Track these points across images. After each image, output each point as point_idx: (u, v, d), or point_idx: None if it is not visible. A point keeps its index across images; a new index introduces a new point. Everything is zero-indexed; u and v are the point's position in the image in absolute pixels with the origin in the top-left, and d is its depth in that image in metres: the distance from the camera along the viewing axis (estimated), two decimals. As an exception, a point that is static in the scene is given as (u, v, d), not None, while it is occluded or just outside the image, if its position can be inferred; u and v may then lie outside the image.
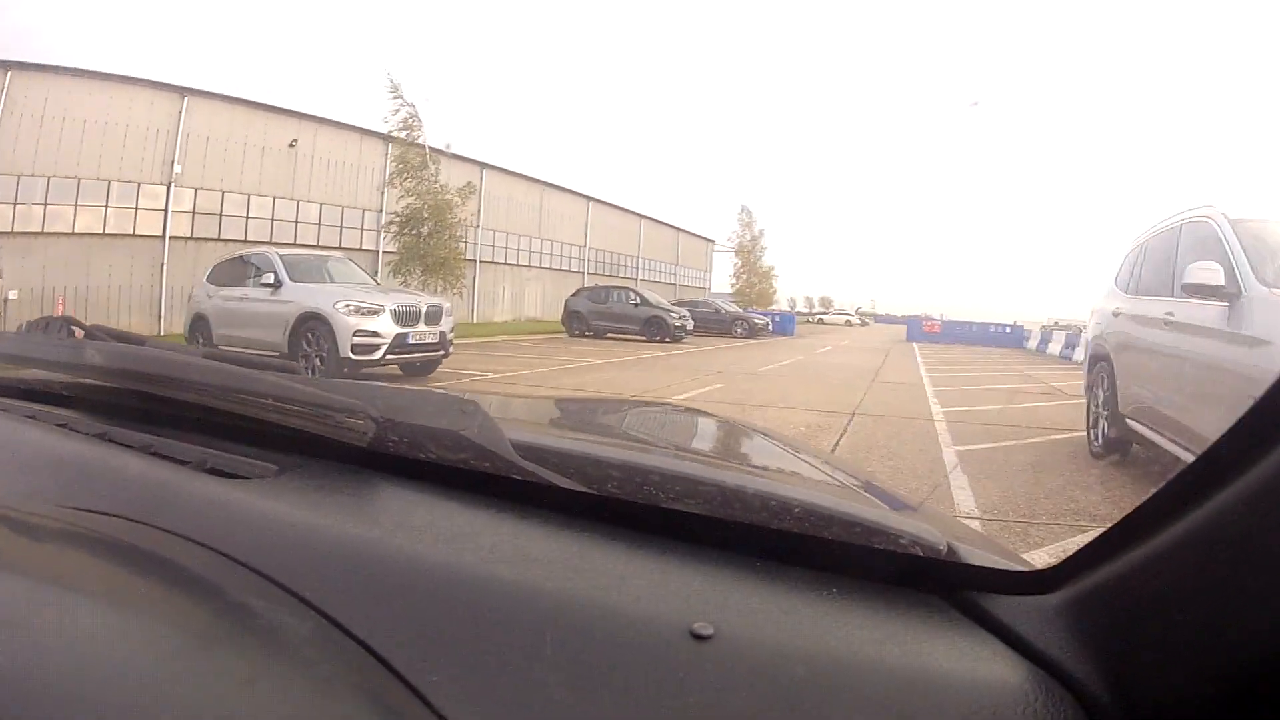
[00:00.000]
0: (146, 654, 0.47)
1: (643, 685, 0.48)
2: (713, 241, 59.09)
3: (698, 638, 0.51)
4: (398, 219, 22.16)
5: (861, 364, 18.00)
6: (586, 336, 23.80)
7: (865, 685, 0.49)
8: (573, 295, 25.88)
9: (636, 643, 0.51)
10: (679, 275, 53.66)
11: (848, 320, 70.41)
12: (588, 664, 0.49)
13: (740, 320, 30.60)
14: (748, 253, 53.70)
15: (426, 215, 21.79)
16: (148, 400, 0.89)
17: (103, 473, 0.76)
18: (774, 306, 50.67)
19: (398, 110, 22.53)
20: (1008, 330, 38.24)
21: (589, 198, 41.74)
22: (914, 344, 31.88)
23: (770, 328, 32.24)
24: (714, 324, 29.32)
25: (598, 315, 24.54)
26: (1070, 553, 0.56)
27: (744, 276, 53.31)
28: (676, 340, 23.26)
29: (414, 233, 21.83)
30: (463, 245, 22.82)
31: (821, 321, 66.85)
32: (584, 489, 0.65)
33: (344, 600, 0.53)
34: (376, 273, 22.34)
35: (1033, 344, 32.40)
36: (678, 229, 54.41)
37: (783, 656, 0.51)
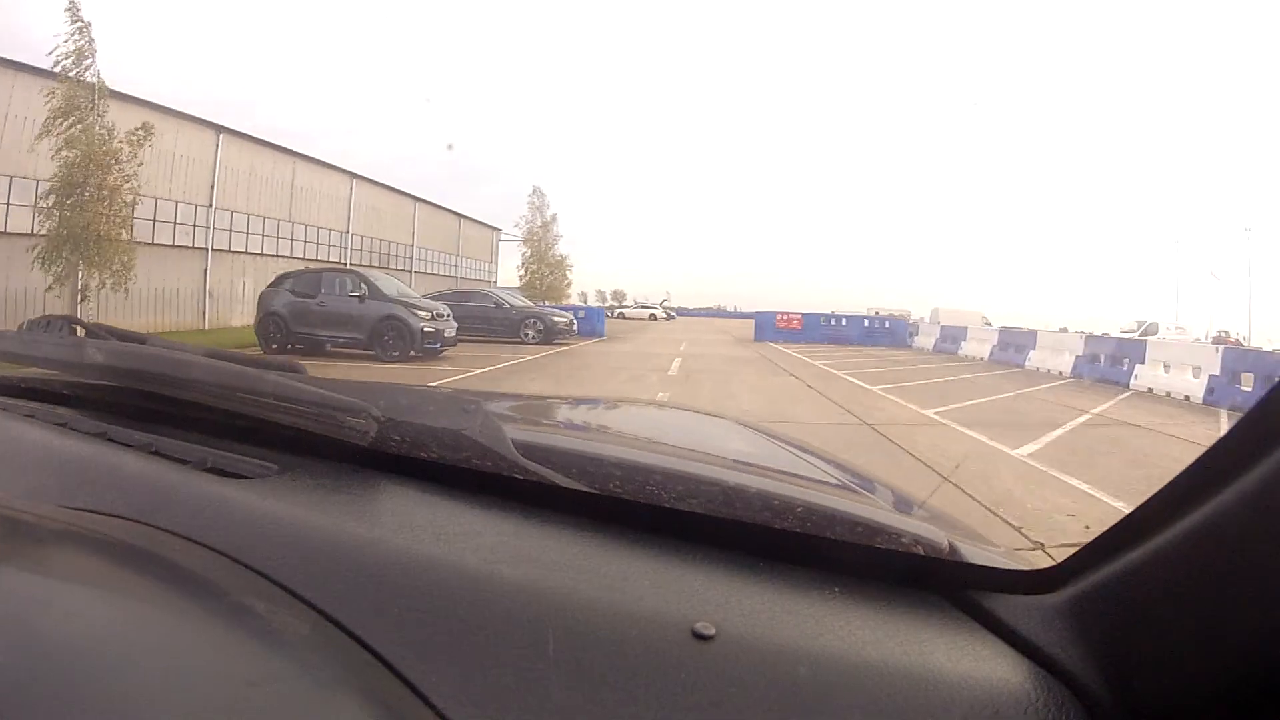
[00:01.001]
0: (147, 654, 0.48)
1: (645, 685, 0.50)
2: (499, 230, 54.36)
3: (700, 637, 0.53)
4: (55, 183, 17.14)
5: (799, 407, 10.78)
6: (292, 351, 15.09)
7: (867, 685, 0.52)
8: (270, 286, 16.98)
9: (638, 642, 0.53)
10: (461, 267, 49.03)
11: (652, 314, 64.96)
12: (589, 664, 0.51)
13: (533, 319, 22.59)
14: (538, 241, 48.84)
15: (89, 174, 16.88)
16: (149, 399, 0.89)
17: (103, 472, 0.76)
18: (567, 301, 46.17)
19: (70, 36, 17.50)
20: (885, 325, 32.67)
21: (353, 174, 36.02)
22: (779, 345, 26.41)
23: (575, 328, 24.60)
24: (495, 325, 21.93)
25: (305, 318, 15.53)
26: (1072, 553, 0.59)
27: (533, 267, 48.47)
28: (430, 354, 15.17)
29: (71, 200, 16.34)
30: (131, 215, 17.10)
31: (623, 316, 61.67)
32: (586, 488, 0.69)
33: (345, 600, 0.56)
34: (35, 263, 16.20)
35: (925, 342, 27.50)
36: (459, 215, 49.60)
37: (785, 656, 0.53)
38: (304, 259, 32.31)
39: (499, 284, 50.39)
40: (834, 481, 1.10)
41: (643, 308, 70.01)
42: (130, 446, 0.83)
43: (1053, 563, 0.60)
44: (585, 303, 62.06)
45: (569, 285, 52.59)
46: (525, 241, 49.85)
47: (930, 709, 0.50)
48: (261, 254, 30.76)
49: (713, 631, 0.53)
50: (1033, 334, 21.18)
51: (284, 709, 0.45)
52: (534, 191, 52.15)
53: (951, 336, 25.79)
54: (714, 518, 0.65)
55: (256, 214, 30.55)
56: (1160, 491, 0.52)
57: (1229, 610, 0.46)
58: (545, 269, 49.46)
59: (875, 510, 0.77)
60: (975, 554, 0.68)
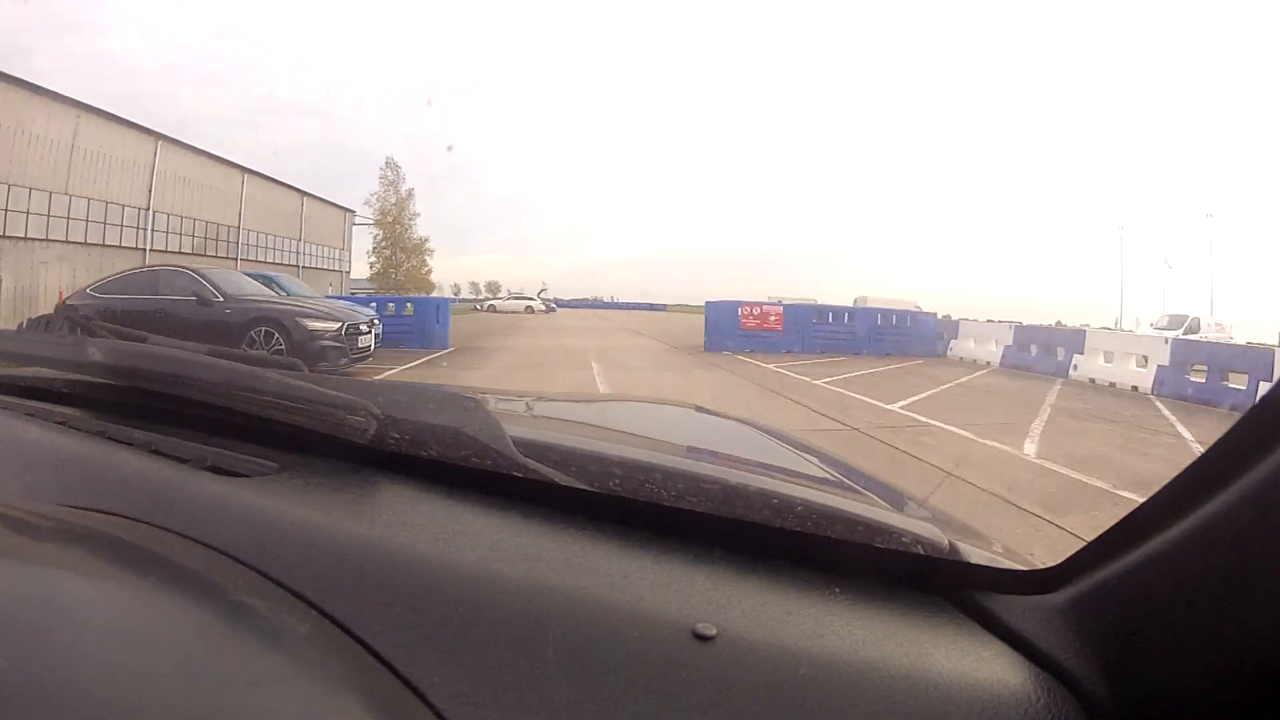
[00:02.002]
0: (147, 654, 0.50)
1: (645, 685, 0.51)
2: (352, 212, 47.69)
3: (700, 638, 0.55)
4: None
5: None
6: None
7: (867, 685, 0.54)
8: None
9: (638, 642, 0.55)
10: (306, 254, 42.08)
11: (528, 306, 55.96)
12: (589, 663, 0.53)
13: (268, 325, 11.42)
14: (392, 222, 42.36)
15: None
16: (149, 398, 0.91)
17: (103, 471, 0.78)
18: (436, 293, 39.93)
19: None
20: (907, 322, 20.83)
21: (159, 135, 29.12)
22: (758, 360, 16.53)
23: (372, 338, 12.94)
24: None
25: None
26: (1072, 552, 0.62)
27: (387, 253, 42.05)
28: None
29: None
30: None
31: (494, 309, 54.46)
32: (586, 487, 0.72)
33: (345, 599, 0.58)
34: None
35: (975, 351, 18.89)
36: (302, 192, 42.87)
37: (785, 657, 0.55)
38: (87, 244, 25.85)
39: (352, 275, 43.73)
40: (835, 480, 1.14)
41: (518, 298, 60.62)
42: (130, 445, 0.84)
43: (1053, 563, 0.64)
44: (457, 295, 53.49)
45: (430, 273, 46.30)
46: (378, 223, 43.46)
47: (930, 709, 0.52)
48: (26, 238, 24.77)
49: (713, 632, 0.55)
50: (1267, 353, 12.92)
51: (284, 708, 0.47)
52: (387, 164, 46.20)
53: (1041, 343, 17.05)
54: (714, 516, 0.68)
55: (20, 184, 24.40)
56: (1160, 492, 0.54)
57: (1229, 611, 0.48)
58: (401, 254, 43.11)
59: (875, 510, 0.80)
60: (975, 554, 0.70)
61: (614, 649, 0.53)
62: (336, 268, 47.60)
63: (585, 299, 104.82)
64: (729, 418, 1.70)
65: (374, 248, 42.45)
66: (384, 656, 0.52)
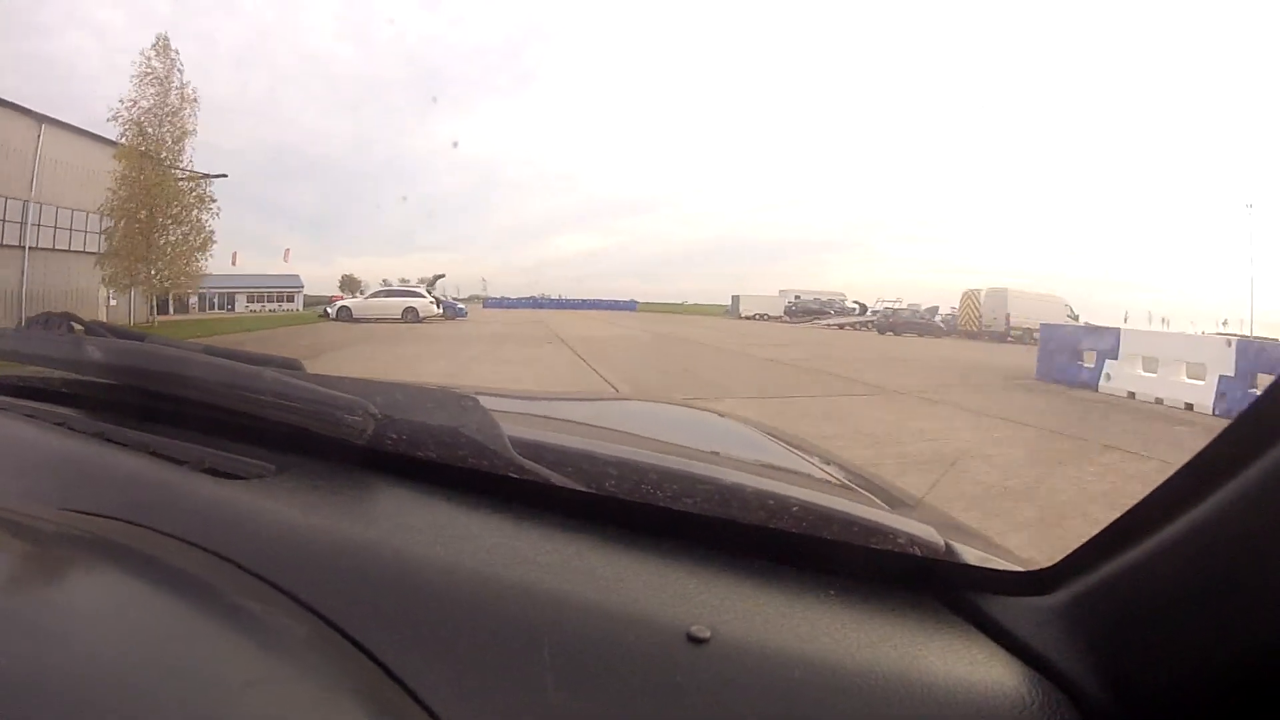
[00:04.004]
0: (144, 656, 0.51)
1: (639, 688, 0.52)
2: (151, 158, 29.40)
3: (694, 640, 0.55)
4: None
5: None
6: None
7: (861, 688, 0.54)
8: None
9: (633, 645, 0.55)
10: (49, 226, 25.97)
11: (408, 309, 34.02)
12: (584, 666, 0.53)
13: None
14: (148, 141, 25.55)
15: None
16: (147, 397, 0.92)
17: (100, 473, 0.79)
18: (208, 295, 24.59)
19: None
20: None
21: None
22: None
23: None
24: None
25: None
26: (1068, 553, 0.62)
27: (132, 205, 25.00)
28: None
29: None
30: None
31: (349, 315, 33.59)
32: (582, 488, 0.73)
33: (341, 602, 0.59)
34: None
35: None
36: (42, 117, 27.38)
37: (779, 659, 0.55)
38: None
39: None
40: (831, 480, 1.14)
41: (390, 293, 36.83)
42: (128, 447, 0.85)
43: (1049, 564, 0.64)
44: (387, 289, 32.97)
45: (209, 245, 27.56)
46: (118, 152, 25.25)
47: (924, 712, 0.53)
48: None
49: (708, 634, 0.55)
50: None
51: (280, 710, 0.48)
52: (158, 42, 26.48)
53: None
54: (709, 517, 0.69)
55: None
56: (1155, 492, 0.54)
57: (1224, 611, 0.48)
58: (161, 203, 25.19)
59: (871, 510, 0.81)
60: (971, 555, 0.72)
61: (609, 651, 0.54)
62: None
63: (533, 296, 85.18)
64: (727, 417, 1.70)
65: (110, 202, 24.58)
66: (380, 659, 0.53)
